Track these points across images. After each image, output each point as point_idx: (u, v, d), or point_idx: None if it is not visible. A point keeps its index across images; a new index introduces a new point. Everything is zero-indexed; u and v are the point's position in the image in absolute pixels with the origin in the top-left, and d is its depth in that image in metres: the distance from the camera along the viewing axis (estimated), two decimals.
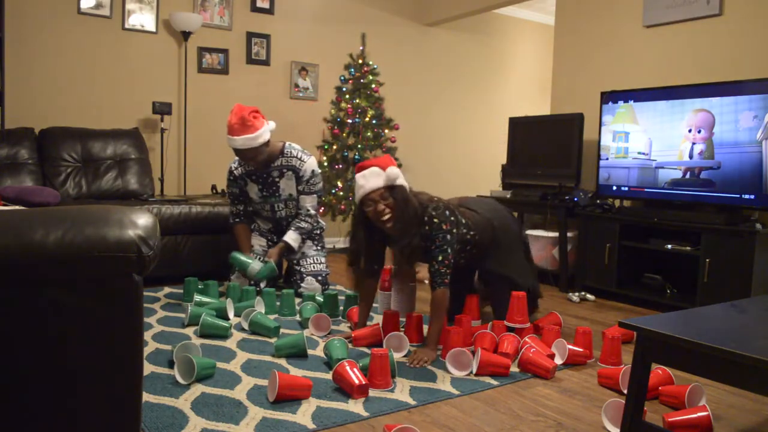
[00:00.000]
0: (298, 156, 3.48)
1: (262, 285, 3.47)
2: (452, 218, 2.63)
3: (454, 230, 2.62)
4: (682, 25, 3.77)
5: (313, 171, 3.49)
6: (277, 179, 3.48)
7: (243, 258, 3.35)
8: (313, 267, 3.53)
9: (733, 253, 3.13)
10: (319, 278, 3.51)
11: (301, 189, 3.50)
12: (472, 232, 2.77)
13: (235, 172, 3.53)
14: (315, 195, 3.54)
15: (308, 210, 3.51)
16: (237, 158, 3.49)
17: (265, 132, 3.32)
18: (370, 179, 2.52)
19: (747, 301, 1.97)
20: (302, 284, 3.48)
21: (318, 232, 3.64)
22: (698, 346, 1.42)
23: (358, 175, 2.56)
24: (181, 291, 3.39)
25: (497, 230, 2.90)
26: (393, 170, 2.53)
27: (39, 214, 1.04)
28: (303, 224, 3.51)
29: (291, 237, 3.47)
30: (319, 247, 3.62)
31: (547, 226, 4.30)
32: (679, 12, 3.76)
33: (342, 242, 5.50)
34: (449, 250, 2.57)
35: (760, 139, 3.17)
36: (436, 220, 2.56)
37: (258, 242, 3.59)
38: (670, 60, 3.85)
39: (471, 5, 5.40)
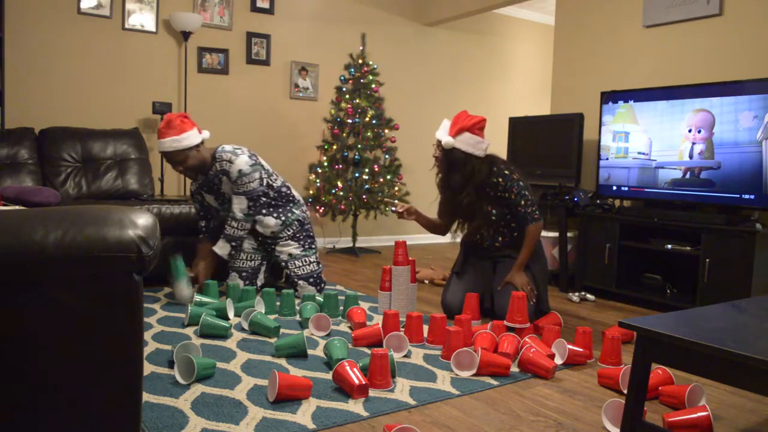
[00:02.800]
0: (227, 158, 3.35)
1: (259, 283, 3.46)
2: (520, 174, 3.01)
3: (523, 181, 2.99)
4: (682, 25, 3.77)
5: (240, 171, 3.31)
6: (218, 186, 3.43)
7: (180, 272, 3.19)
8: (303, 270, 3.45)
9: (733, 253, 3.13)
10: (311, 280, 3.46)
11: (233, 191, 3.38)
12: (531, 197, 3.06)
13: (192, 186, 3.56)
14: (243, 197, 3.35)
15: (234, 213, 3.35)
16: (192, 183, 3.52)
17: (192, 136, 3.25)
18: (441, 129, 2.99)
19: (747, 301, 1.97)
20: (296, 290, 3.44)
21: (292, 231, 3.47)
22: (698, 346, 1.42)
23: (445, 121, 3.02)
24: None
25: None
26: (448, 140, 2.91)
27: (39, 214, 1.04)
28: (227, 229, 3.37)
29: (217, 246, 3.38)
30: (306, 246, 3.50)
31: (547, 226, 4.30)
32: (679, 12, 3.76)
33: (342, 242, 5.50)
34: (526, 193, 2.97)
35: (760, 139, 3.17)
36: (506, 172, 2.96)
37: (247, 242, 3.50)
38: (670, 60, 3.85)
39: (471, 5, 5.40)
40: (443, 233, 3.30)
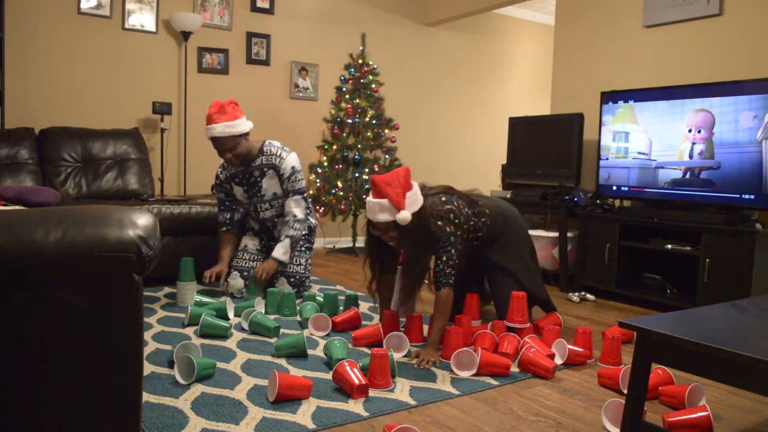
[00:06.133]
0: (278, 153, 3.38)
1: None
2: (456, 220, 2.63)
3: (459, 232, 2.63)
4: (682, 25, 3.77)
5: (293, 168, 3.38)
6: (258, 179, 3.41)
7: (189, 274, 3.17)
8: (290, 267, 3.44)
9: (733, 253, 3.13)
10: (292, 280, 3.42)
11: (285, 188, 3.42)
12: (483, 219, 2.81)
13: (220, 176, 3.49)
14: (300, 196, 3.41)
15: (296, 216, 3.38)
16: (222, 162, 3.48)
17: (243, 123, 3.27)
18: (378, 214, 2.50)
19: (747, 301, 1.97)
20: (276, 283, 3.40)
21: (305, 233, 3.53)
22: (698, 346, 1.42)
23: (369, 199, 2.54)
24: None
25: (508, 220, 2.94)
26: (404, 215, 2.45)
27: (39, 214, 1.04)
28: (292, 231, 3.37)
29: (279, 252, 3.32)
30: (303, 248, 3.51)
31: (547, 226, 4.30)
32: (679, 12, 3.76)
33: (342, 242, 5.50)
34: (453, 251, 2.58)
35: (760, 139, 3.17)
36: (440, 223, 2.58)
37: (251, 242, 3.55)
38: (670, 60, 3.85)
39: (471, 5, 5.40)
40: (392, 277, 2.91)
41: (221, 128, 3.21)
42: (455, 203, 2.69)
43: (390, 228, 2.53)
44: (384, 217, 2.50)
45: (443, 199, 2.68)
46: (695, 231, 3.32)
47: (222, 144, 3.26)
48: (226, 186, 3.50)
